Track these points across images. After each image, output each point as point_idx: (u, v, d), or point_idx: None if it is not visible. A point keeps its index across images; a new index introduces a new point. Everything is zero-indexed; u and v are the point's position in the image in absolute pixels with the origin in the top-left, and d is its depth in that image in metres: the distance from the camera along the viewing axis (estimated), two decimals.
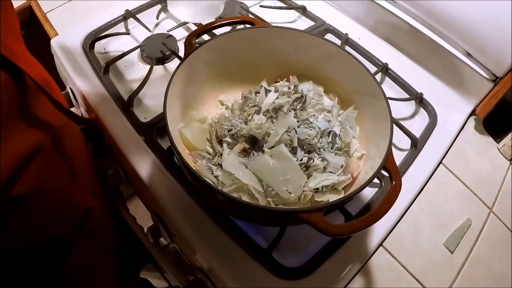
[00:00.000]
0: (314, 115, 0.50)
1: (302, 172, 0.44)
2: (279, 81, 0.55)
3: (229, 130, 0.49)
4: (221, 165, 0.46)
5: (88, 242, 0.54)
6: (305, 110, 0.50)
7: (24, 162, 0.39)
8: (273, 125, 0.48)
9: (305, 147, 0.47)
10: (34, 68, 0.45)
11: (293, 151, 0.46)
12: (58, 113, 0.46)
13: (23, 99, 0.39)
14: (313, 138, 0.47)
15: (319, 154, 0.47)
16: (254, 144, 0.47)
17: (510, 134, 0.60)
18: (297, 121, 0.48)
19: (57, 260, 0.50)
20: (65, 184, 0.48)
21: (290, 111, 0.48)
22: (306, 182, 0.45)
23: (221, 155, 0.47)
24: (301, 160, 0.46)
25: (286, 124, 0.46)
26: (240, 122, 0.49)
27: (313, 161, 0.45)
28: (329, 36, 0.69)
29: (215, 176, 0.46)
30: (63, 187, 0.48)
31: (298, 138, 0.47)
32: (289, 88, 0.52)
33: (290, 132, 0.47)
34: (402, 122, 0.57)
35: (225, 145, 0.48)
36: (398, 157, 0.55)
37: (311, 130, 0.48)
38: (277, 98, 0.49)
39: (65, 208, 0.49)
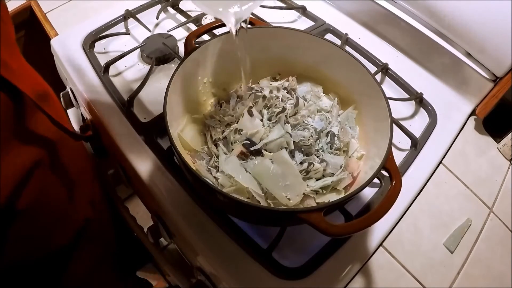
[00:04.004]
0: (309, 116, 0.50)
1: (302, 179, 0.44)
2: (278, 79, 0.55)
3: (223, 132, 0.49)
4: (218, 167, 0.46)
5: (88, 249, 0.54)
6: (299, 113, 0.50)
7: (24, 178, 0.39)
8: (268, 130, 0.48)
9: (302, 149, 0.47)
10: (31, 80, 0.45)
11: (291, 154, 0.47)
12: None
13: (20, 116, 0.39)
14: (309, 139, 0.47)
15: (318, 156, 0.47)
16: (251, 146, 0.47)
17: (510, 134, 0.60)
18: (290, 126, 0.48)
19: (57, 269, 0.50)
20: (64, 196, 0.48)
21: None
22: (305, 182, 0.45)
23: (217, 157, 0.47)
24: (300, 163, 0.46)
25: (279, 133, 0.47)
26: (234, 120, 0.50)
27: (313, 165, 0.45)
28: (329, 36, 0.69)
29: (214, 177, 0.46)
30: (62, 199, 0.48)
31: (293, 141, 0.47)
32: (284, 89, 0.52)
33: (284, 135, 0.47)
34: (402, 122, 0.57)
35: (220, 148, 0.48)
36: (398, 157, 0.55)
37: (305, 131, 0.48)
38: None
39: (64, 220, 0.49)
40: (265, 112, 0.50)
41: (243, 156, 0.46)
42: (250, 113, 0.49)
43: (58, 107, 0.52)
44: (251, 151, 0.46)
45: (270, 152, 0.46)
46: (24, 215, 0.41)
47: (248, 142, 0.47)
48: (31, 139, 0.41)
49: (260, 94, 0.51)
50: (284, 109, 0.49)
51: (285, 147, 0.47)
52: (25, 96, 0.39)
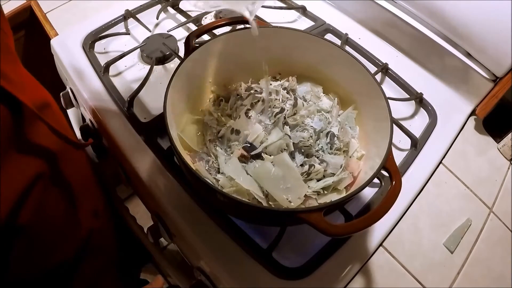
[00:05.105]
0: (308, 117, 0.50)
1: (303, 182, 0.44)
2: (278, 79, 0.55)
3: (218, 132, 0.49)
4: (218, 169, 0.46)
5: (91, 260, 0.54)
6: (298, 114, 0.50)
7: (25, 192, 0.39)
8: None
9: (302, 150, 0.47)
10: (30, 89, 0.44)
11: (292, 155, 0.47)
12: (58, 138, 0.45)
13: (20, 127, 0.39)
14: (308, 140, 0.47)
15: (317, 157, 0.47)
16: (251, 150, 0.47)
17: (510, 134, 0.60)
18: (289, 127, 0.48)
19: (61, 282, 0.50)
20: (67, 209, 0.48)
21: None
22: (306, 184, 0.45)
23: (216, 157, 0.47)
24: (301, 165, 0.46)
25: (278, 136, 0.47)
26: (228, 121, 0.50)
27: (314, 167, 0.45)
28: (329, 36, 0.69)
29: (214, 178, 0.46)
30: (65, 211, 0.47)
31: (293, 142, 0.47)
32: (284, 89, 0.52)
33: (283, 137, 0.47)
34: (402, 122, 0.57)
35: (218, 149, 0.48)
36: (398, 157, 0.55)
37: (305, 132, 0.48)
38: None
39: (67, 233, 0.48)
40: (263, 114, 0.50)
41: (243, 159, 0.47)
42: (247, 115, 0.49)
43: (59, 116, 0.52)
44: (251, 154, 0.46)
45: (270, 155, 0.46)
46: (26, 230, 0.40)
47: (249, 145, 0.47)
48: (31, 151, 0.40)
49: (259, 95, 0.51)
50: (282, 109, 0.49)
51: (284, 149, 0.47)
52: (25, 106, 0.38)
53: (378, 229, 0.49)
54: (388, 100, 0.44)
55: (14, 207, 0.37)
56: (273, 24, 0.58)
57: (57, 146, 0.45)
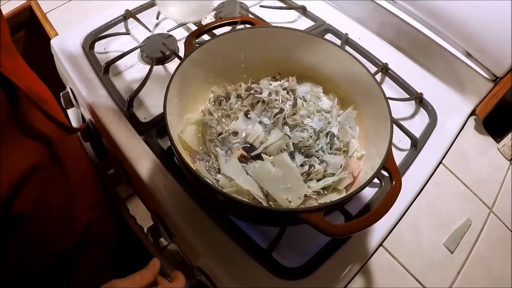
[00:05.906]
0: (308, 117, 0.50)
1: (303, 182, 0.44)
2: (278, 79, 0.55)
3: (219, 134, 0.49)
4: (218, 169, 0.46)
5: (90, 254, 0.54)
6: (297, 114, 0.50)
7: (23, 179, 0.39)
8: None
9: (302, 150, 0.47)
10: (27, 81, 0.44)
11: (291, 155, 0.47)
12: (54, 126, 0.45)
13: (17, 114, 0.39)
14: (308, 140, 0.47)
15: (317, 157, 0.47)
16: (251, 151, 0.47)
17: (510, 134, 0.60)
18: (289, 128, 0.48)
19: (61, 276, 0.50)
20: (64, 199, 0.48)
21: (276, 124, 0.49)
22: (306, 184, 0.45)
23: (215, 157, 0.47)
24: (301, 165, 0.46)
25: (278, 136, 0.47)
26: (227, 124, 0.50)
27: (314, 167, 0.45)
28: (329, 36, 0.69)
29: (214, 178, 0.46)
30: (62, 202, 0.47)
31: (292, 142, 0.47)
32: (284, 89, 0.52)
33: (283, 138, 0.47)
34: (402, 122, 0.57)
35: (218, 149, 0.48)
36: (398, 157, 0.55)
37: (304, 132, 0.48)
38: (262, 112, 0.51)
39: (65, 224, 0.48)
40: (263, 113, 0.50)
41: (243, 159, 0.47)
42: (247, 116, 0.49)
43: (55, 107, 0.52)
44: (251, 155, 0.46)
45: (270, 155, 0.46)
46: (26, 220, 0.40)
47: (249, 146, 0.47)
48: (27, 141, 0.41)
49: (259, 96, 0.51)
50: (282, 110, 0.49)
51: (284, 149, 0.47)
52: (20, 91, 0.39)
53: (378, 229, 0.49)
54: (388, 100, 0.44)
55: (9, 194, 0.37)
56: (273, 24, 0.58)
57: (55, 135, 0.45)
